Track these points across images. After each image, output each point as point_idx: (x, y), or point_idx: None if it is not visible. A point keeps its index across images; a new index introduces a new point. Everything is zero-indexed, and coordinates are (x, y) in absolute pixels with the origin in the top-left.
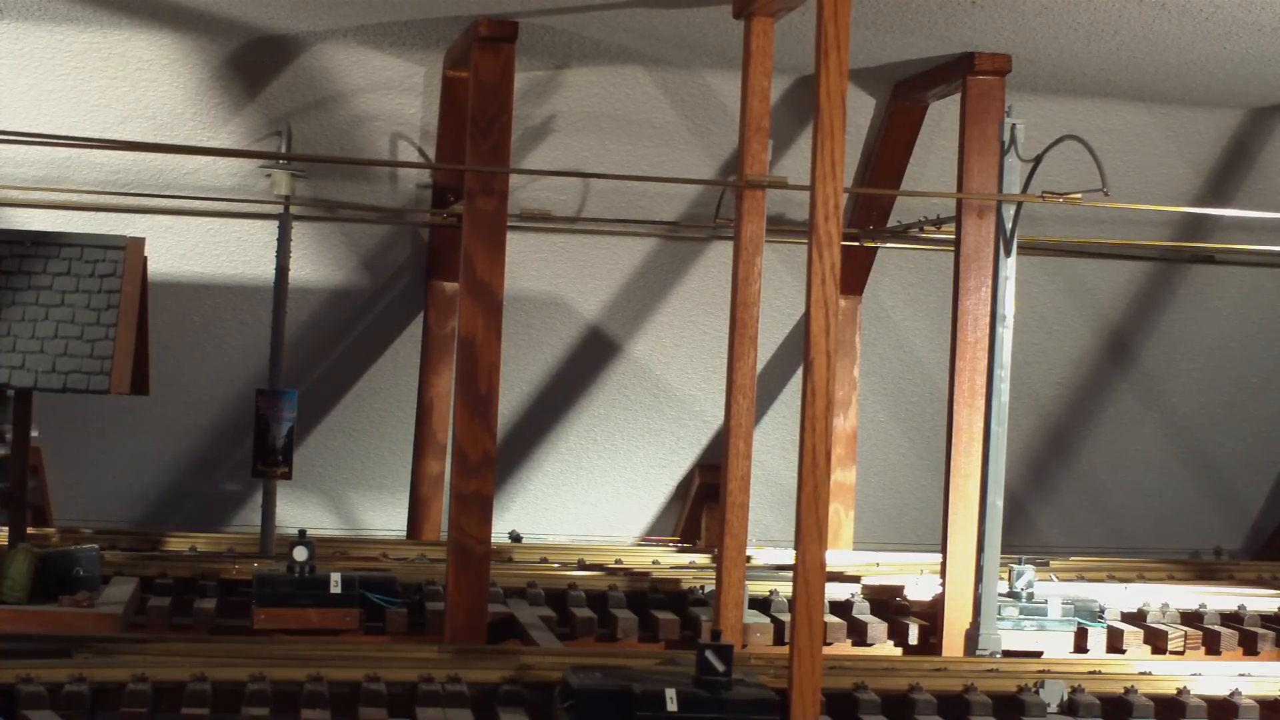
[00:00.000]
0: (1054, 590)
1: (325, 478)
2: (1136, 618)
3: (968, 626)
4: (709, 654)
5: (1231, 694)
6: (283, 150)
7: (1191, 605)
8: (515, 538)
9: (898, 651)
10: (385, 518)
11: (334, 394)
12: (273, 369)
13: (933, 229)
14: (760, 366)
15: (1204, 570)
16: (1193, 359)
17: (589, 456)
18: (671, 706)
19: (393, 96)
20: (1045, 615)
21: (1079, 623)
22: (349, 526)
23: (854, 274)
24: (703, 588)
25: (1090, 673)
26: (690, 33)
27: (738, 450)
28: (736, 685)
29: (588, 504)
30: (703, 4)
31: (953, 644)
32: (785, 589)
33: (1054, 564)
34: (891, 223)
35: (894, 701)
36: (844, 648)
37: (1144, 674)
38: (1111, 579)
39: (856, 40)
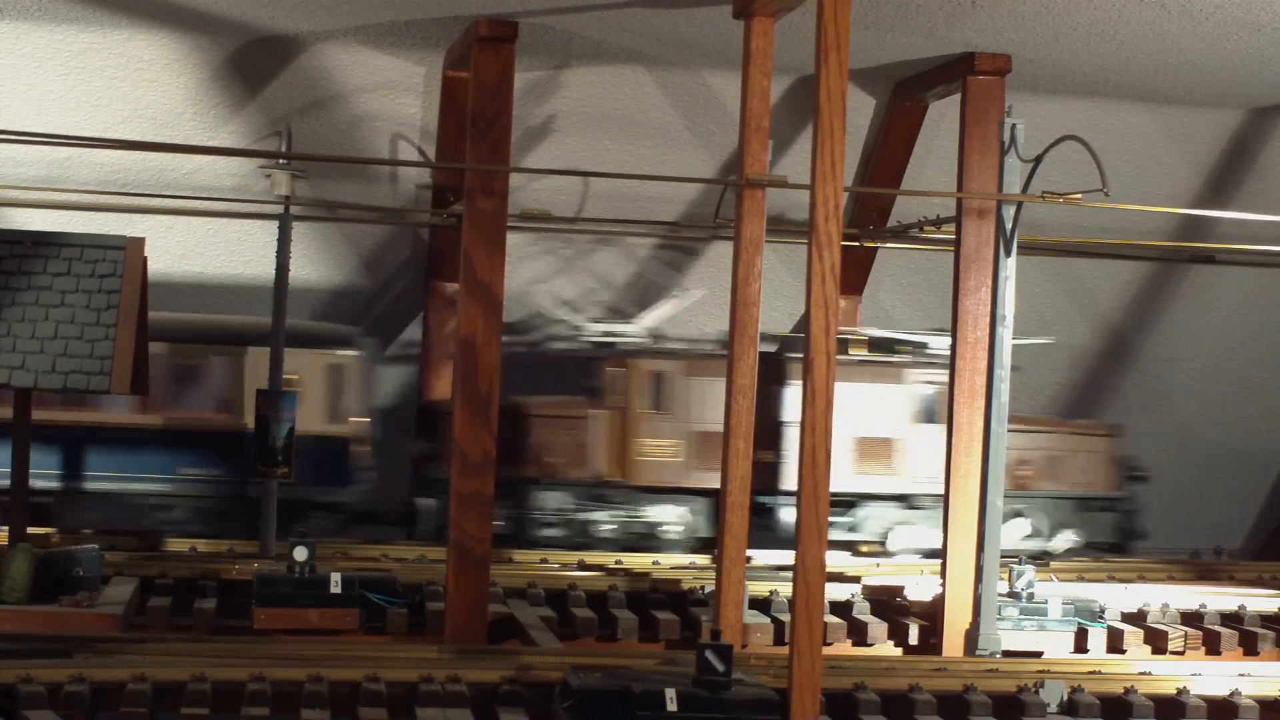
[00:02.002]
0: (1054, 590)
1: None
2: (1137, 618)
3: (968, 626)
4: (709, 654)
5: (1231, 694)
6: (283, 150)
7: (1191, 605)
8: None
9: (898, 651)
10: None
11: None
12: (273, 369)
13: (933, 229)
14: None
15: (1204, 570)
16: (1193, 359)
17: None
18: (671, 706)
19: (393, 96)
20: (1045, 615)
21: (1079, 623)
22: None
23: (854, 274)
24: (703, 588)
25: (1090, 673)
26: (690, 33)
27: (738, 450)
28: (736, 685)
29: None
30: (703, 4)
31: (953, 644)
32: (785, 589)
33: (1054, 564)
34: (891, 223)
35: (894, 701)
36: (844, 648)
37: (1144, 674)
38: (1112, 579)
39: (856, 40)
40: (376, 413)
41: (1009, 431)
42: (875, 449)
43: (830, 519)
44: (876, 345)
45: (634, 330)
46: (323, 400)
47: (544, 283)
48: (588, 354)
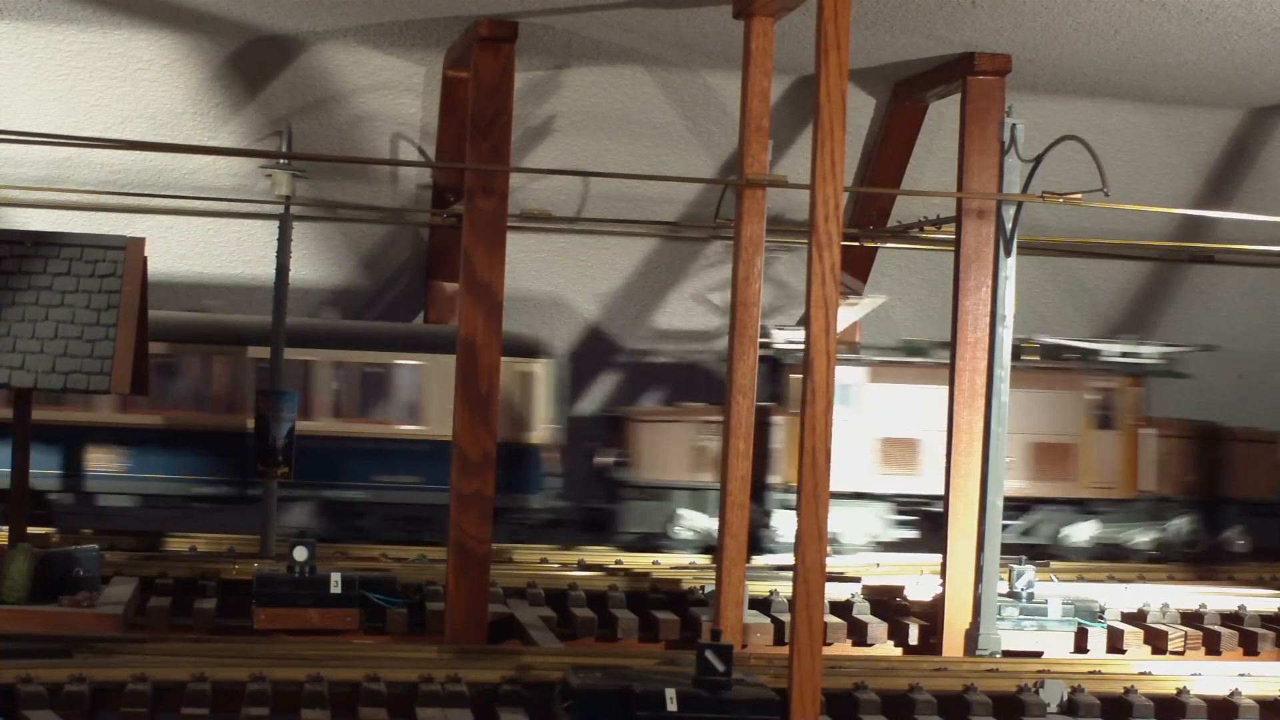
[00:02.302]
0: (1054, 590)
1: None
2: (1136, 618)
3: (968, 626)
4: (709, 654)
5: (1231, 694)
6: (283, 150)
7: (1191, 605)
8: None
9: (898, 651)
10: None
11: None
12: (273, 369)
13: (933, 229)
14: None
15: (1204, 570)
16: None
17: None
18: (671, 706)
19: (393, 96)
20: (1045, 615)
21: (1079, 623)
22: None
23: (854, 274)
24: (703, 588)
25: (1090, 673)
26: (690, 33)
27: (738, 450)
28: (736, 685)
29: None
30: (703, 4)
31: (953, 644)
32: (785, 589)
33: (1054, 564)
34: (891, 223)
35: (894, 701)
36: (844, 648)
37: (1144, 674)
38: (1111, 579)
39: (856, 40)
40: (566, 419)
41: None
42: (1050, 454)
43: (1004, 522)
44: (1049, 352)
45: None
46: (513, 408)
47: (723, 291)
48: (773, 360)
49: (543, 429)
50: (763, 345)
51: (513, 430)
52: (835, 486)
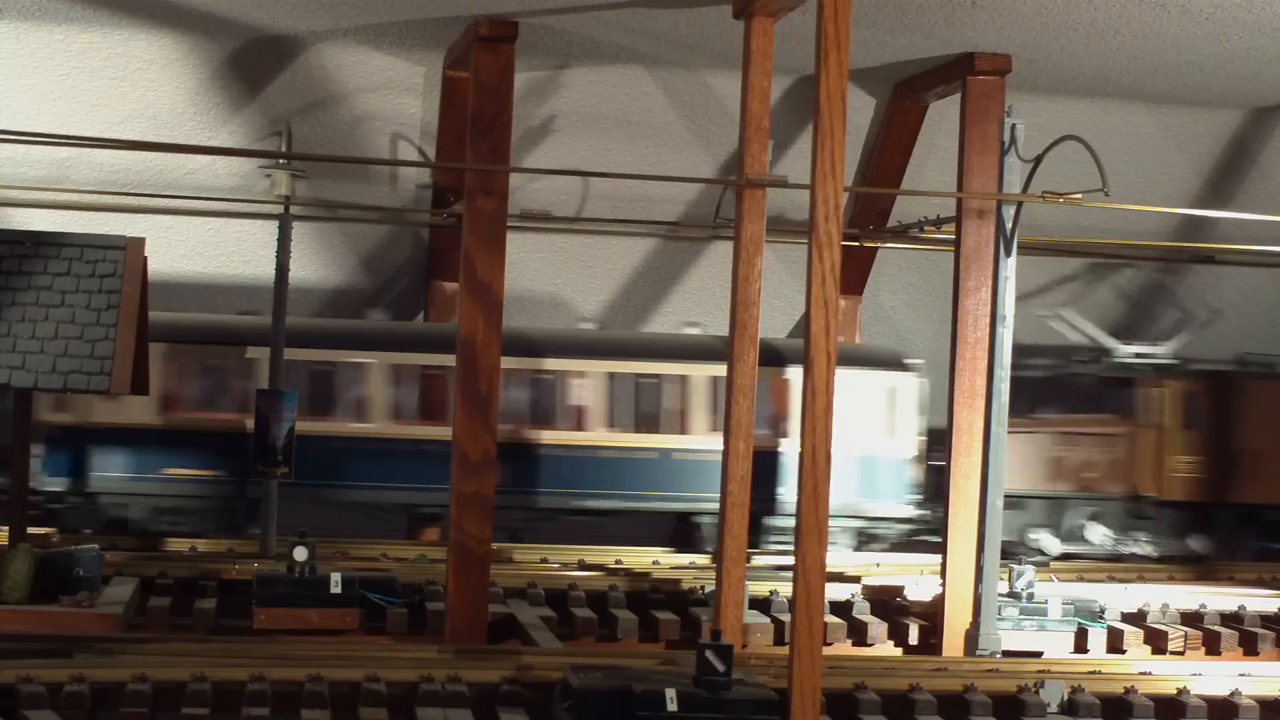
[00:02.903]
0: (1054, 590)
1: None
2: (1137, 618)
3: (968, 626)
4: (709, 654)
5: (1231, 694)
6: (283, 150)
7: (1191, 605)
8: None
9: (898, 651)
10: None
11: None
12: (273, 369)
13: (933, 229)
14: None
15: (1204, 570)
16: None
17: None
18: (671, 706)
19: (393, 96)
20: (1045, 615)
21: (1079, 623)
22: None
23: (854, 274)
24: (703, 588)
25: (1090, 673)
26: (690, 33)
27: (738, 450)
28: (736, 685)
29: None
30: (703, 4)
31: (953, 644)
32: (785, 589)
33: (1054, 564)
34: (891, 223)
35: (894, 701)
36: (844, 648)
37: (1144, 674)
38: (1111, 579)
39: (856, 40)
40: (932, 432)
41: None
42: None
43: None
44: None
45: (1163, 351)
46: (878, 420)
47: (1065, 306)
48: (1118, 375)
49: (908, 440)
50: (1106, 360)
51: (880, 442)
52: (1180, 497)
